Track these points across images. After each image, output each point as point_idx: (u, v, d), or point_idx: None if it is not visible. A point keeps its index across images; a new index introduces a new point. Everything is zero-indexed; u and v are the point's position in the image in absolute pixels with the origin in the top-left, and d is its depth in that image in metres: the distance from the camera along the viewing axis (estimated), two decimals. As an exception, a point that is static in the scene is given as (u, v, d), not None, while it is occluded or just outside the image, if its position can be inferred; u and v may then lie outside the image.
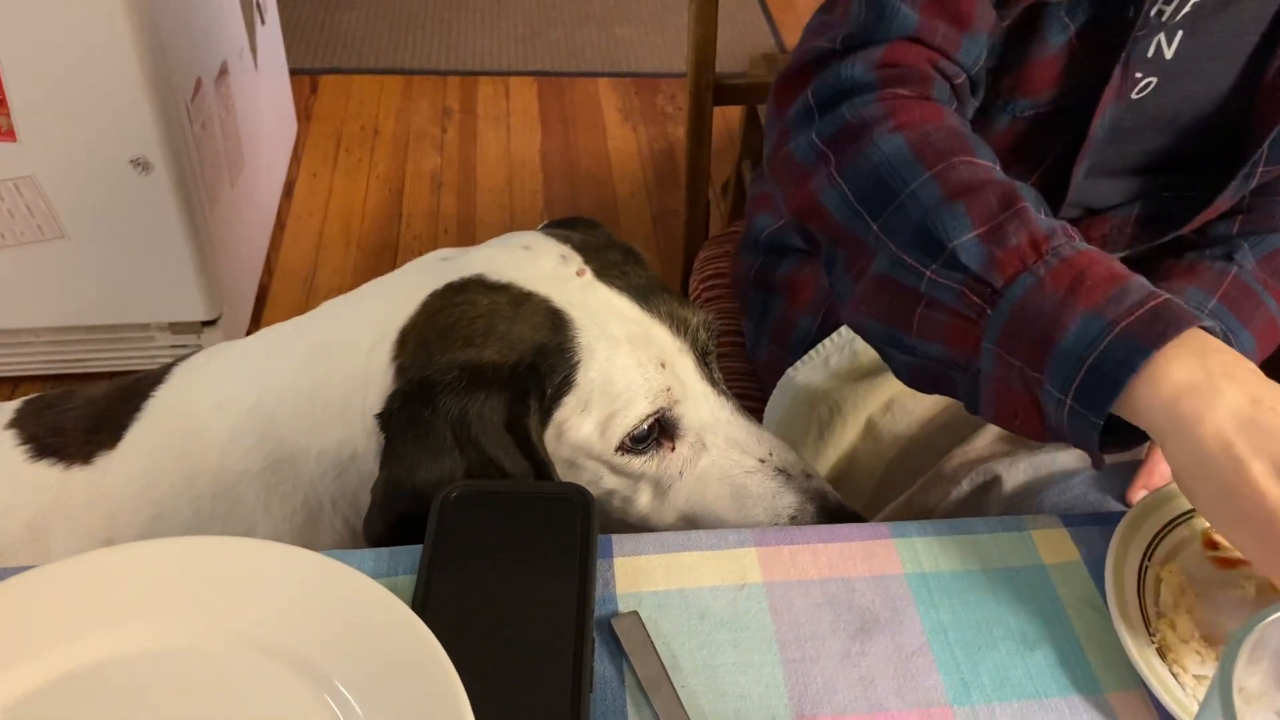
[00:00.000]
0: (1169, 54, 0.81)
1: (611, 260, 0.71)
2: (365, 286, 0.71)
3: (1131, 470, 0.74)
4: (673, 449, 0.69)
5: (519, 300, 0.66)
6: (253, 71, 2.04)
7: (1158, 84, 0.82)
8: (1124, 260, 0.94)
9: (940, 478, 0.84)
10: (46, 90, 1.47)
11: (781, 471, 0.71)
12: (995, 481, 0.80)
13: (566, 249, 0.70)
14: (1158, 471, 0.73)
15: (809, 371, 0.95)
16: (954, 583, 0.58)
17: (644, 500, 0.70)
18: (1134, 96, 0.83)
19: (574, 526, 0.57)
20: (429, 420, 0.61)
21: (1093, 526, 0.62)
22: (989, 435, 0.84)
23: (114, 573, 0.51)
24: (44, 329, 1.76)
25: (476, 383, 0.62)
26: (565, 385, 0.64)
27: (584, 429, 0.66)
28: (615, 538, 0.59)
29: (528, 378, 0.63)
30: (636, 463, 0.68)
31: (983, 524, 0.61)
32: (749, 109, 1.67)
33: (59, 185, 1.57)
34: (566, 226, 0.78)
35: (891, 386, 0.91)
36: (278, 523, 0.67)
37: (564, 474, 0.67)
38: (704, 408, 0.70)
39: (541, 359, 0.64)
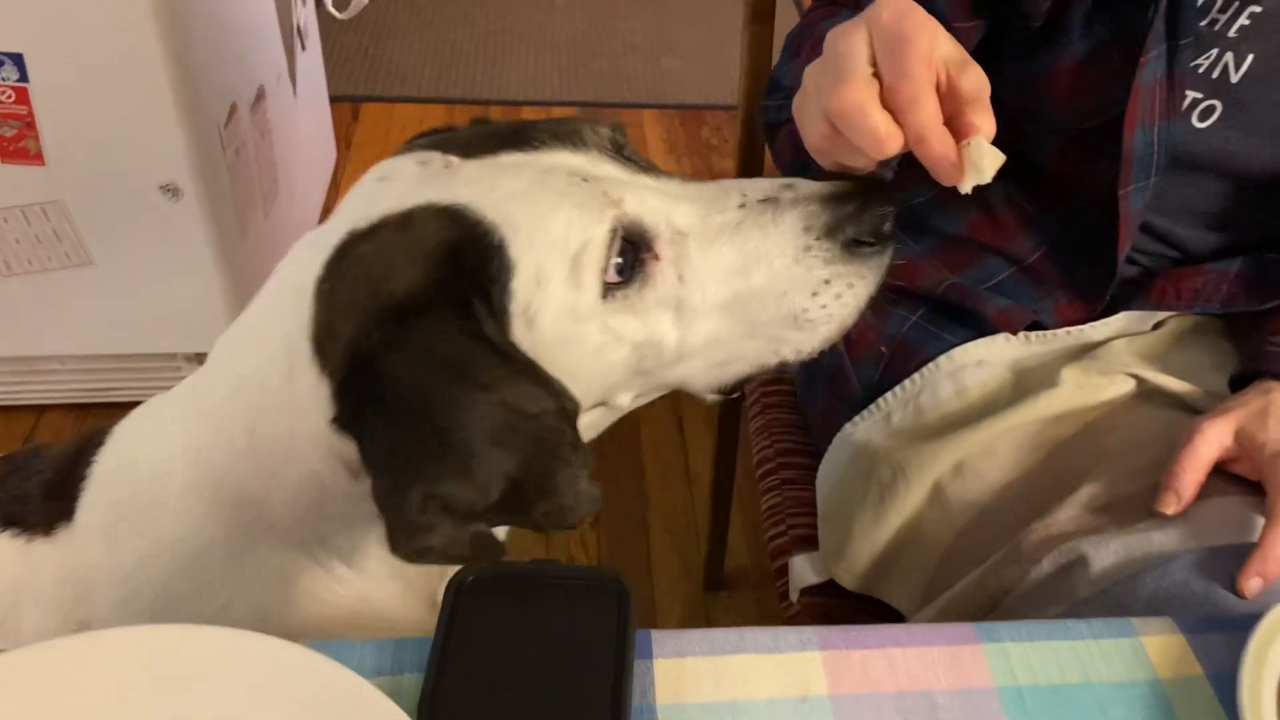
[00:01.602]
0: (1235, 76, 0.74)
1: (472, 136, 0.62)
2: (252, 304, 0.61)
3: (1241, 555, 0.65)
4: (656, 257, 0.59)
5: (402, 224, 0.56)
6: (291, 97, 2.00)
7: (1224, 111, 0.75)
8: (1223, 317, 0.87)
9: (1017, 554, 0.75)
10: (76, 113, 1.43)
11: (767, 201, 0.61)
12: (1080, 562, 0.71)
13: (421, 154, 0.61)
14: (1272, 556, 0.65)
15: (869, 428, 0.87)
16: (1054, 699, 0.49)
17: (670, 335, 0.60)
18: (1198, 125, 0.76)
19: (608, 620, 0.49)
20: (386, 389, 0.51)
21: (1215, 633, 0.53)
22: (1074, 507, 0.75)
23: (67, 668, 0.44)
24: (69, 357, 1.71)
25: (404, 320, 0.52)
26: (503, 271, 0.55)
27: (554, 297, 0.56)
28: (655, 634, 0.51)
29: (456, 285, 0.54)
30: (634, 297, 0.58)
31: (1085, 627, 0.53)
32: (800, 142, 1.59)
33: (87, 211, 1.52)
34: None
35: (961, 448, 0.82)
36: (259, 593, 0.59)
37: (565, 361, 0.57)
38: (651, 195, 0.60)
39: (460, 258, 0.54)
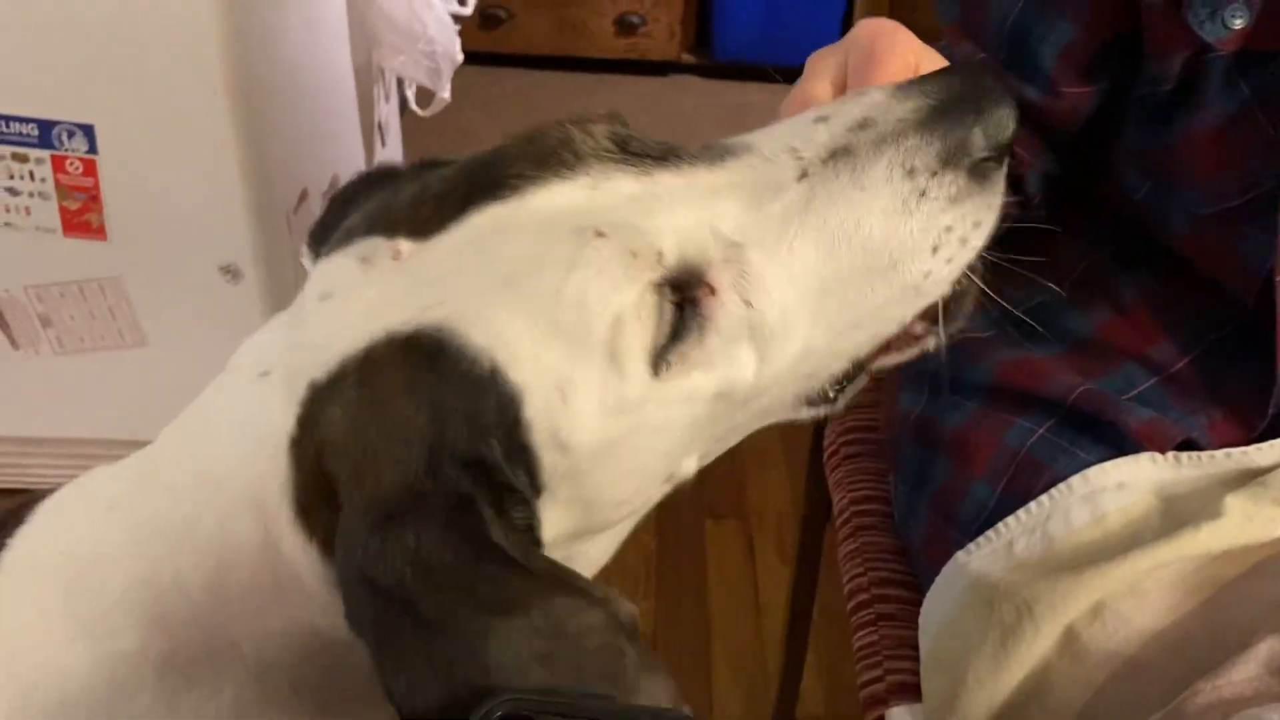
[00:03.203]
0: None
1: (422, 195, 0.47)
2: (199, 407, 0.51)
3: None
4: (712, 290, 0.46)
5: (363, 375, 0.44)
6: (366, 191, 1.98)
7: None
8: None
9: (1179, 721, 0.61)
10: (142, 188, 1.40)
11: (836, 156, 0.47)
12: (1266, 736, 0.57)
13: (360, 246, 0.47)
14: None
15: (987, 558, 0.74)
16: None
17: (747, 374, 0.47)
18: None
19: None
20: (381, 608, 0.40)
21: None
22: (1252, 666, 0.61)
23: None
24: (114, 441, 1.64)
25: (389, 525, 0.41)
26: (506, 407, 0.43)
27: (589, 405, 0.44)
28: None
29: (453, 473, 0.42)
30: (695, 351, 0.45)
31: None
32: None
33: (144, 289, 1.48)
34: (347, 201, 0.54)
35: (1101, 586, 0.69)
36: None
37: (620, 463, 0.46)
38: (683, 208, 0.46)
39: (448, 428, 0.42)
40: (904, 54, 0.55)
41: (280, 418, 0.46)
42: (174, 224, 1.43)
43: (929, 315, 0.53)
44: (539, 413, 0.43)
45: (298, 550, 0.46)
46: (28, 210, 1.39)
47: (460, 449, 0.42)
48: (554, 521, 0.47)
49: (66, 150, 1.35)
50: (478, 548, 0.41)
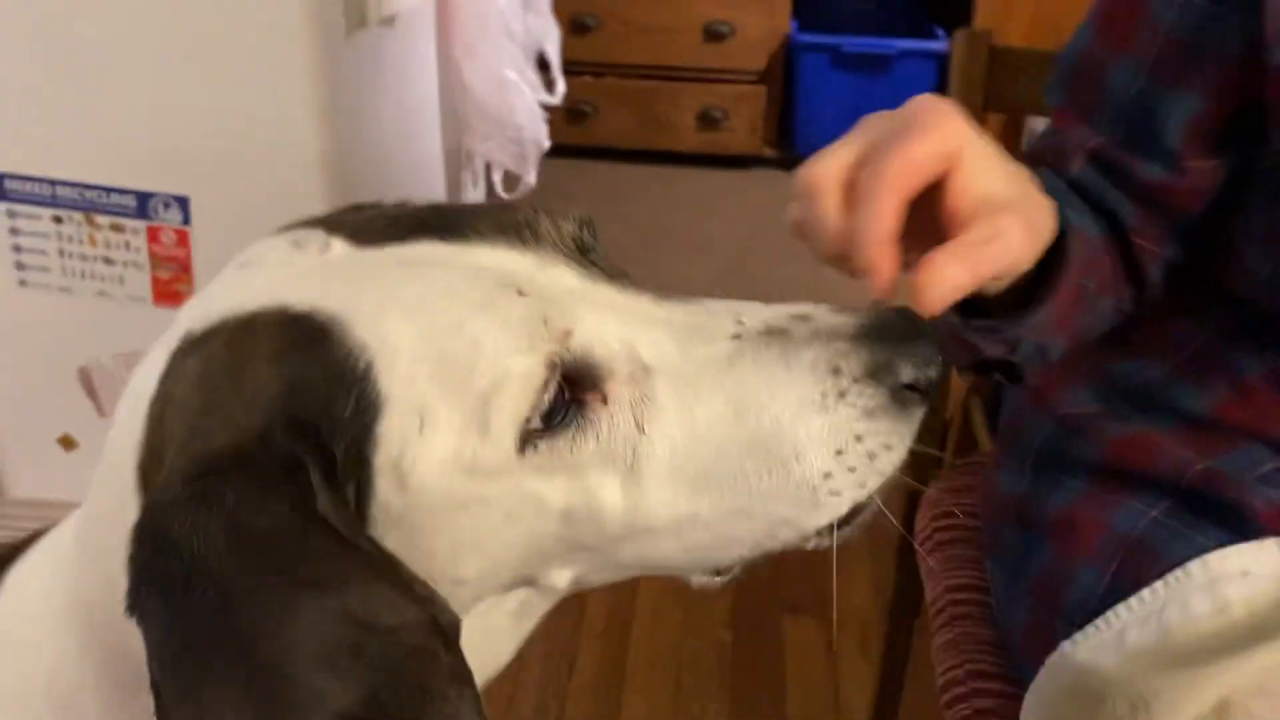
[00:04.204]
0: None
1: (379, 215, 0.48)
2: None
3: None
4: (604, 400, 0.45)
5: (238, 334, 0.43)
6: (449, 273, 2.00)
7: None
8: None
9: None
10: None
11: (772, 333, 0.47)
12: None
13: (301, 232, 0.47)
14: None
15: (1095, 649, 0.68)
16: None
17: (613, 502, 0.45)
18: None
19: None
20: (175, 569, 0.37)
21: None
22: None
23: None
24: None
25: (209, 477, 0.39)
26: (364, 410, 0.41)
27: (441, 447, 0.42)
28: None
29: (289, 439, 0.40)
30: (563, 450, 0.44)
31: None
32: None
33: (228, 360, 1.50)
34: None
35: (1226, 682, 0.63)
36: None
37: (459, 529, 0.43)
38: (612, 317, 0.46)
39: (298, 400, 0.41)
40: (940, 137, 0.51)
41: (152, 376, 0.45)
42: (260, 296, 1.45)
43: None
44: (392, 430, 0.42)
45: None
46: (121, 280, 1.42)
47: (300, 419, 0.41)
48: None
49: (161, 221, 1.38)
50: (299, 516, 0.39)
